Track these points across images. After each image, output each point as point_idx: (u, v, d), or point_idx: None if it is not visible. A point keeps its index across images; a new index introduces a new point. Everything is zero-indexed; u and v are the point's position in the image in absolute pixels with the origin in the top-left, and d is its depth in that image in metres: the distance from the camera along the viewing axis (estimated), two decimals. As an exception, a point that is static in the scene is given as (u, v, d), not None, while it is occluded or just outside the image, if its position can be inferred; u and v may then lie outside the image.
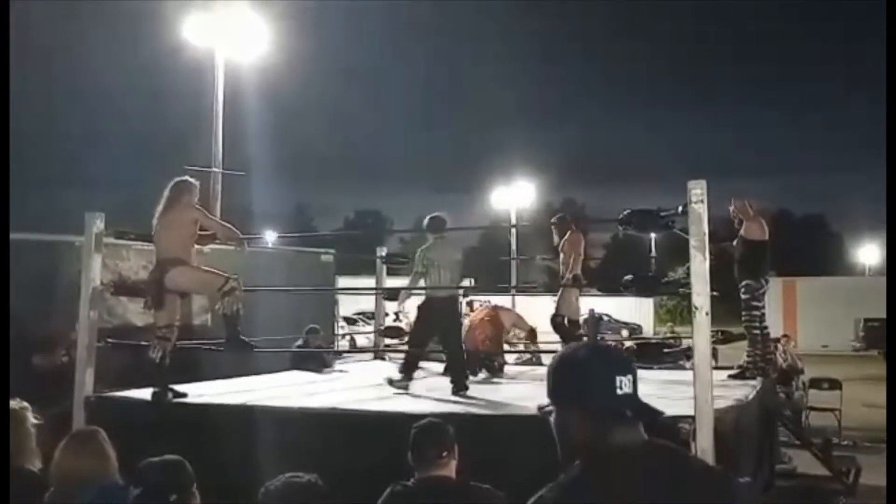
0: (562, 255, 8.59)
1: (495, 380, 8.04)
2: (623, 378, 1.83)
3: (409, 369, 6.99)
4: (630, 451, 1.80)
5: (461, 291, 7.47)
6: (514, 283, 42.81)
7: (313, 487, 2.83)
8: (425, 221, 7.32)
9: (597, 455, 1.82)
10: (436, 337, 7.27)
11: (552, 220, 9.23)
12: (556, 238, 8.79)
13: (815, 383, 12.86)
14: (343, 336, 18.11)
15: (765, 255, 7.61)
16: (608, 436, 1.81)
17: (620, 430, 1.82)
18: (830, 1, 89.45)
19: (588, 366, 1.87)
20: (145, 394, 6.00)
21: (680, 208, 5.04)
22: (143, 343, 6.29)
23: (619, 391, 1.82)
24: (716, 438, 4.41)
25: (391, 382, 6.83)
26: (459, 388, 6.65)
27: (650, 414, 1.86)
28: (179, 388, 6.15)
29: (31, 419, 3.88)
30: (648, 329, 42.71)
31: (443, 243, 7.11)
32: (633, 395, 1.84)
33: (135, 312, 7.43)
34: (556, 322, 8.57)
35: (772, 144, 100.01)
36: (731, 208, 7.62)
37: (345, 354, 13.55)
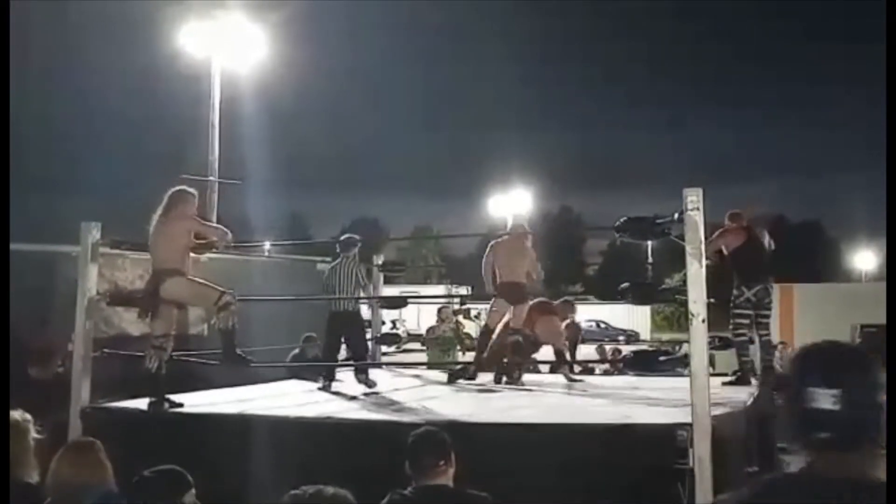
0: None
1: (496, 388, 7.97)
2: (818, 390, 1.54)
3: (326, 377, 7.62)
4: (811, 481, 1.53)
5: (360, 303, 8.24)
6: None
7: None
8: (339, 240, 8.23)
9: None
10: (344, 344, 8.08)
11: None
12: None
13: (813, 389, 12.84)
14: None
15: (740, 263, 7.57)
16: (804, 453, 1.58)
17: (811, 451, 1.57)
18: (828, 3, 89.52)
19: (792, 371, 1.64)
20: (142, 404, 5.99)
21: (676, 215, 5.05)
22: (139, 353, 6.27)
23: (811, 404, 1.54)
24: (713, 445, 4.41)
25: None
26: (361, 381, 7.51)
27: (848, 442, 1.53)
28: (176, 397, 6.13)
29: (33, 432, 3.89)
30: (645, 336, 42.73)
31: (346, 262, 7.87)
32: (834, 414, 1.53)
33: (131, 322, 7.41)
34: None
35: (769, 149, 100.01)
36: (726, 221, 7.66)
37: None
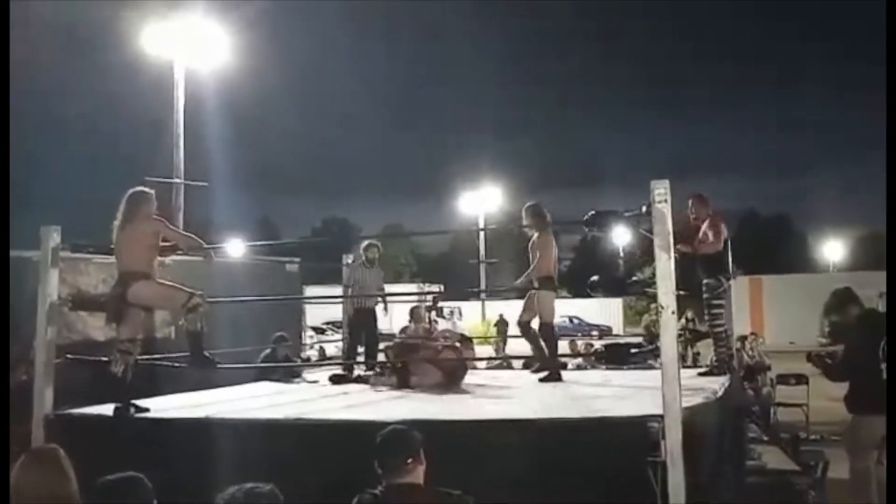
0: (532, 257, 7.90)
1: (464, 385, 7.90)
2: None
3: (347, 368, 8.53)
4: None
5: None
6: (483, 286, 43.03)
7: (275, 497, 2.81)
8: None
9: None
10: None
11: (526, 208, 8.19)
12: (529, 231, 8.03)
13: (783, 379, 12.97)
14: (311, 346, 17.97)
15: (724, 255, 7.63)
16: None
17: None
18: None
19: None
20: (107, 410, 5.88)
21: (644, 208, 5.03)
22: (103, 358, 6.16)
23: None
24: (684, 437, 4.41)
25: None
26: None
27: None
28: (142, 402, 6.03)
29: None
30: (618, 330, 43.03)
31: (368, 263, 9.19)
32: None
33: (95, 327, 7.29)
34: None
35: (737, 145, 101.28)
36: (689, 204, 7.68)
37: (314, 364, 13.43)
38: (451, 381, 7.42)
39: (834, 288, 6.59)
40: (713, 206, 7.81)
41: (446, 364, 7.62)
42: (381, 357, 8.84)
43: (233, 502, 2.77)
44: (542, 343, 8.01)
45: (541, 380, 7.69)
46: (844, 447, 6.10)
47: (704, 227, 7.56)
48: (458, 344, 8.60)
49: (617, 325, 44.12)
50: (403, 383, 7.45)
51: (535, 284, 7.86)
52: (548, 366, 7.88)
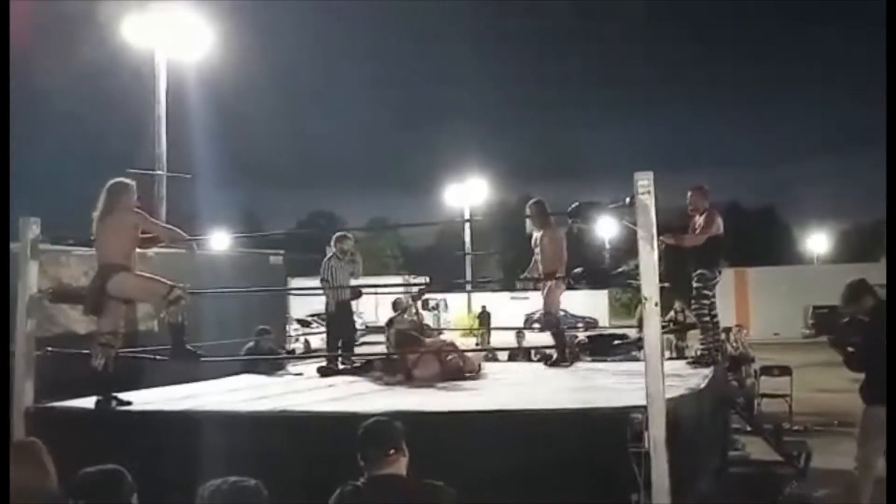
0: (539, 252, 8.23)
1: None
2: None
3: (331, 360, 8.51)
4: None
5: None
6: (468, 278, 43.04)
7: (259, 493, 2.79)
8: None
9: None
10: None
11: (529, 205, 8.61)
12: (531, 229, 8.36)
13: (767, 370, 13.05)
14: (296, 338, 17.92)
15: (721, 247, 7.65)
16: None
17: None
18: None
19: None
20: (88, 403, 5.83)
21: (627, 200, 5.01)
22: (85, 351, 6.11)
23: None
24: (668, 427, 4.41)
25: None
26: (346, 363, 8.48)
27: None
28: (125, 395, 5.99)
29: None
30: (604, 322, 43.09)
31: (340, 256, 9.00)
32: None
33: (77, 320, 7.23)
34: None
35: (723, 138, 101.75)
36: (689, 195, 7.68)
37: (298, 356, 13.39)
38: (451, 379, 7.39)
39: (849, 280, 6.54)
40: (711, 199, 7.83)
41: (450, 365, 7.62)
42: (381, 349, 8.87)
43: (217, 494, 2.74)
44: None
45: (550, 364, 8.35)
46: (856, 438, 6.06)
47: (700, 219, 7.56)
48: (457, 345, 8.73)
49: (603, 318, 44.16)
50: (407, 376, 7.43)
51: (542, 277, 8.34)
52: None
